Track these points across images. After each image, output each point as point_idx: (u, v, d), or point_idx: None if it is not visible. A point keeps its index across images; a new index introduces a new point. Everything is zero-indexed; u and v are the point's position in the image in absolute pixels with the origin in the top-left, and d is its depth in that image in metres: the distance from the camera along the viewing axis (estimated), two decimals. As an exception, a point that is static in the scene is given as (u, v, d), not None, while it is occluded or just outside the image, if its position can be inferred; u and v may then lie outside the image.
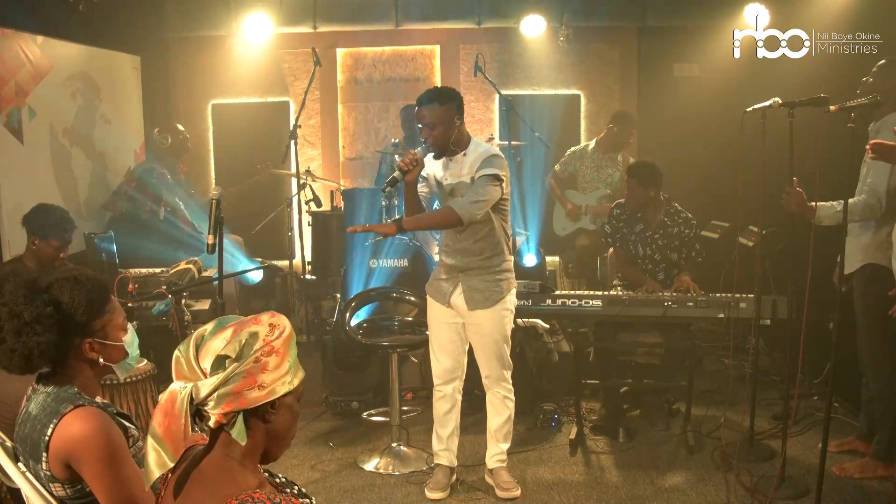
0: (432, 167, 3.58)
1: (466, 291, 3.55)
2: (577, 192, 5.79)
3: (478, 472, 3.83)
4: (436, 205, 3.84)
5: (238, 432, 1.49)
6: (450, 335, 3.63)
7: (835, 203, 3.47)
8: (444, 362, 3.64)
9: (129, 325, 2.13)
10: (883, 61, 3.57)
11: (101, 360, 2.02)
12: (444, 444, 3.69)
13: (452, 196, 3.50)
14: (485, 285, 3.55)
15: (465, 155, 3.48)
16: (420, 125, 3.44)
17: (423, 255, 4.94)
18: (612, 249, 4.78)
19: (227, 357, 1.47)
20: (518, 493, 3.62)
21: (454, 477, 3.73)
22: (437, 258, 3.78)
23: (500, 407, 3.67)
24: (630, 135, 5.74)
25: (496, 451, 3.69)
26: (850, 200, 3.47)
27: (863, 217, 3.53)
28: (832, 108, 3.17)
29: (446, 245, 3.62)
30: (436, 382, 3.69)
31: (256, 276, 5.78)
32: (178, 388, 1.47)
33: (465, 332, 3.64)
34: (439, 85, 6.81)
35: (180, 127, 5.94)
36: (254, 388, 1.47)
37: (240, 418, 1.49)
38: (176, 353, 1.50)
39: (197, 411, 1.49)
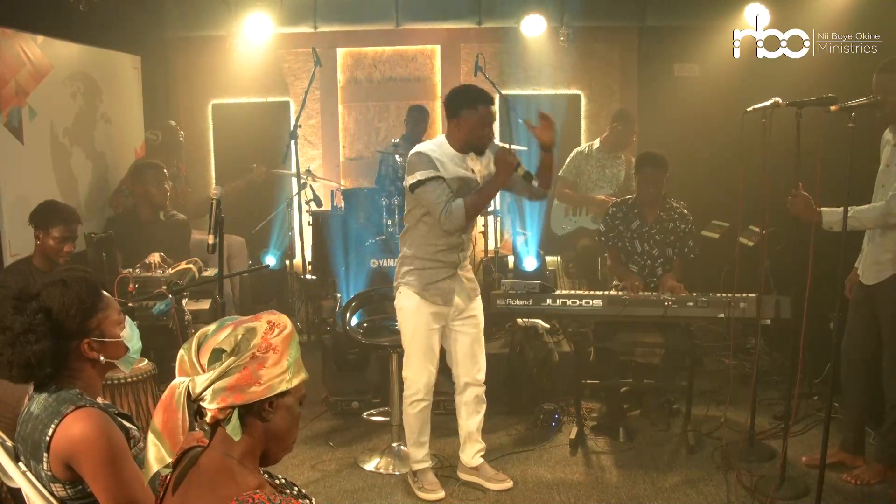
0: (454, 169, 3.47)
1: (464, 285, 3.61)
2: (579, 192, 5.77)
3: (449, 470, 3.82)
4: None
5: (232, 427, 1.49)
6: (436, 341, 3.60)
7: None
8: (431, 371, 3.59)
9: (127, 319, 2.11)
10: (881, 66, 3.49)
11: (101, 358, 2.01)
12: (427, 449, 3.68)
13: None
14: (471, 275, 3.69)
15: (483, 154, 3.56)
16: (488, 122, 3.46)
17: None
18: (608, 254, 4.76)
19: (223, 351, 1.48)
20: (511, 483, 3.65)
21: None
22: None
23: (480, 405, 3.71)
24: (633, 133, 5.73)
25: (478, 447, 3.71)
26: (865, 206, 3.42)
27: (876, 224, 3.42)
28: (833, 108, 3.16)
29: (456, 243, 3.53)
30: (421, 393, 3.58)
31: (271, 262, 5.82)
32: (178, 383, 1.50)
33: (448, 335, 3.63)
34: (439, 85, 6.84)
35: (173, 123, 5.94)
36: (251, 383, 1.48)
37: (235, 413, 1.49)
38: (181, 350, 1.53)
39: (197, 409, 1.50)
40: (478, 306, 3.68)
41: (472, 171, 3.54)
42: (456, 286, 3.58)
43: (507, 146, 3.54)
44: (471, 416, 3.68)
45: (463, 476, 3.74)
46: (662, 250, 4.45)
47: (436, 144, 3.53)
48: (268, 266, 5.56)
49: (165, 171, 4.97)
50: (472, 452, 3.70)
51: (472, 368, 3.64)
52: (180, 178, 5.78)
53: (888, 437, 3.56)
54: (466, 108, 3.44)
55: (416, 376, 3.58)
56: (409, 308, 3.55)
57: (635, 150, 6.07)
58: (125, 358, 2.09)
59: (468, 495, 3.64)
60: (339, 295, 5.07)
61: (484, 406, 3.72)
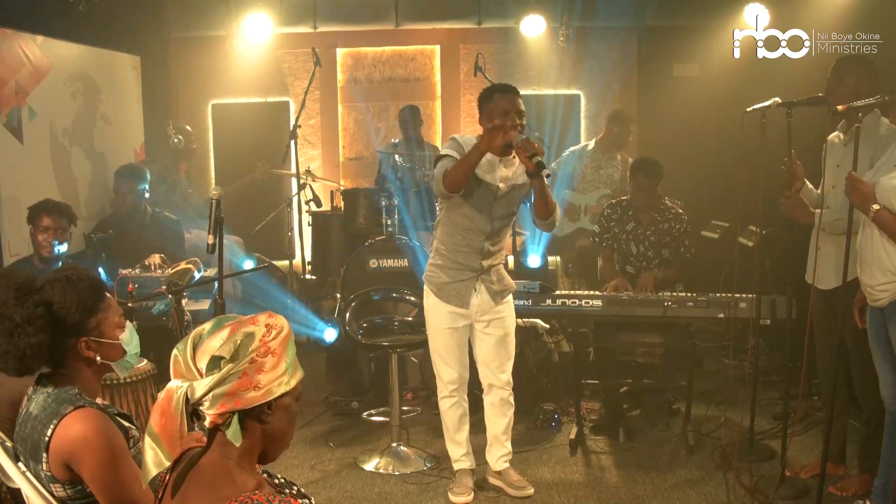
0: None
1: (489, 287, 3.54)
2: (574, 192, 5.77)
3: (483, 471, 3.79)
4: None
5: (233, 433, 1.48)
6: (459, 339, 3.58)
7: (832, 211, 3.38)
8: (456, 369, 3.59)
9: (128, 323, 2.12)
10: (834, 64, 3.46)
11: (98, 358, 2.01)
12: (465, 448, 3.65)
13: (502, 200, 3.43)
14: (498, 277, 3.60)
15: (513, 158, 3.41)
16: (508, 111, 3.30)
17: (422, 254, 4.93)
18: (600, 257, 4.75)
19: (221, 358, 1.47)
20: (532, 490, 3.61)
21: (474, 477, 3.69)
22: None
23: (506, 407, 3.66)
24: (629, 133, 5.72)
25: (503, 451, 3.67)
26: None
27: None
28: (840, 107, 3.07)
29: (480, 248, 3.48)
30: (448, 390, 3.60)
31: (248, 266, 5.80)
32: (175, 387, 1.48)
33: (473, 335, 3.61)
34: (439, 85, 6.85)
35: (188, 128, 5.96)
36: (249, 388, 1.47)
37: (235, 419, 1.48)
38: (175, 351, 1.51)
39: (194, 410, 1.50)
40: (506, 308, 3.61)
41: (497, 178, 3.43)
42: (476, 290, 3.52)
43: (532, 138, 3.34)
44: (496, 418, 3.65)
45: (489, 479, 3.71)
46: (658, 252, 4.46)
47: (469, 139, 3.45)
48: (267, 265, 5.55)
49: (148, 173, 4.94)
50: (496, 456, 3.67)
51: (495, 370, 3.61)
52: (181, 182, 5.78)
53: (869, 446, 3.46)
54: (485, 102, 3.41)
55: (441, 373, 3.60)
56: (429, 306, 3.59)
57: (634, 150, 6.08)
58: (122, 361, 2.08)
59: (485, 494, 3.63)
60: (338, 295, 5.06)
61: (511, 409, 3.67)
